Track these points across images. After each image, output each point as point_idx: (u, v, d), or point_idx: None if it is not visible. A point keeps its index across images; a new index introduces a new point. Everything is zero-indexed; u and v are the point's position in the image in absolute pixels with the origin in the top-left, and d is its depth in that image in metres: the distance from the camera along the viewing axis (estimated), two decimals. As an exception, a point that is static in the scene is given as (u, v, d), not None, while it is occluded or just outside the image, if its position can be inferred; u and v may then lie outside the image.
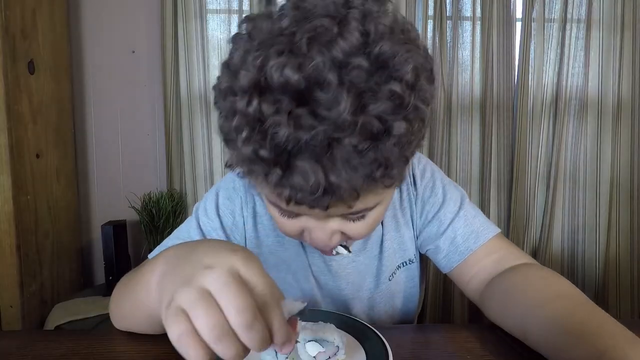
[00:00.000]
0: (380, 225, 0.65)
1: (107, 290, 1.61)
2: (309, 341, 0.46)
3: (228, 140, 0.41)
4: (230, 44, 0.42)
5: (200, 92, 1.80)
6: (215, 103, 0.42)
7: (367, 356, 0.46)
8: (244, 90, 0.37)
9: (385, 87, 0.36)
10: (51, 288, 1.61)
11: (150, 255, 0.61)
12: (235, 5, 1.79)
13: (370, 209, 0.47)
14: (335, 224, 0.48)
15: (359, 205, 0.44)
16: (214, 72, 1.81)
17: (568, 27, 1.82)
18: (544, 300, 0.48)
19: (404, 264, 0.68)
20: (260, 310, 0.31)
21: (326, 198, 0.39)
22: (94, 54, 1.84)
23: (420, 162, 0.67)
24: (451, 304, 1.88)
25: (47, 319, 1.46)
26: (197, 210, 0.66)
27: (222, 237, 0.63)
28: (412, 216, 0.66)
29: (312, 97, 0.36)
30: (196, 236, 0.63)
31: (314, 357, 0.45)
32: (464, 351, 0.50)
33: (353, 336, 0.50)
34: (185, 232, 0.65)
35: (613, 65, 1.84)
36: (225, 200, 0.65)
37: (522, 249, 1.86)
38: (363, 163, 0.37)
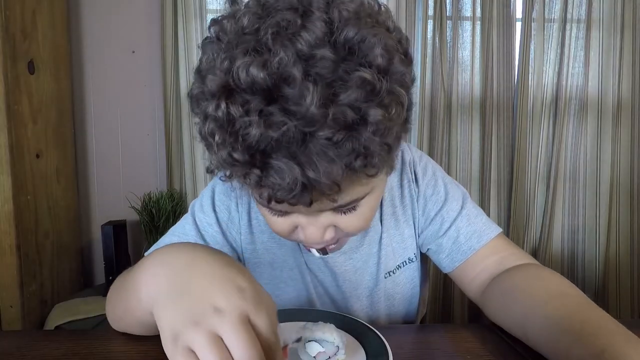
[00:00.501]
0: (379, 223, 0.65)
1: (107, 290, 1.60)
2: (309, 341, 0.46)
3: (207, 146, 0.41)
4: (200, 50, 0.41)
5: (200, 92, 1.80)
6: (192, 110, 0.42)
7: (367, 356, 0.46)
8: (212, 95, 0.37)
9: (354, 74, 0.35)
10: (51, 288, 1.61)
11: (146, 254, 0.61)
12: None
13: (360, 199, 0.46)
14: (327, 218, 0.47)
15: (345, 197, 0.43)
16: (214, 72, 1.80)
17: (568, 27, 1.82)
18: (544, 300, 0.49)
19: (404, 263, 0.67)
20: (264, 351, 0.32)
21: (306, 194, 0.38)
22: (94, 54, 1.84)
23: (421, 160, 0.67)
24: (451, 304, 1.88)
25: (47, 319, 1.46)
26: (194, 207, 0.66)
27: (217, 232, 0.63)
28: (413, 214, 0.66)
29: (280, 93, 0.35)
30: (191, 232, 0.63)
31: (314, 357, 0.45)
32: (464, 351, 0.50)
33: (353, 336, 0.50)
34: (181, 228, 0.64)
35: (613, 65, 1.84)
36: (221, 196, 0.65)
37: (522, 249, 1.86)
38: (340, 155, 0.36)
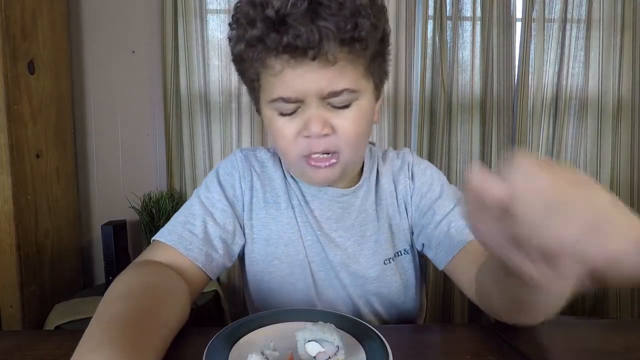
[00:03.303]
0: (375, 211, 0.70)
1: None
2: (309, 341, 0.46)
3: (238, 36, 0.57)
4: None
5: (200, 92, 1.80)
6: (234, 15, 0.57)
7: (367, 356, 0.46)
8: None
9: None
10: (51, 288, 1.61)
11: (153, 238, 0.63)
12: (235, 5, 1.78)
13: (352, 92, 0.57)
14: (327, 112, 0.57)
15: (340, 81, 0.55)
16: (214, 72, 1.81)
17: (568, 27, 1.82)
18: None
19: (399, 254, 0.70)
20: None
21: (316, 35, 0.51)
22: (94, 54, 1.84)
23: (422, 164, 0.73)
24: (451, 304, 1.88)
25: (47, 319, 1.46)
26: (198, 191, 0.69)
27: (227, 205, 0.67)
28: (407, 208, 0.71)
29: None
30: (199, 211, 0.65)
31: (314, 357, 0.45)
32: (464, 351, 0.50)
33: (353, 336, 0.50)
34: (187, 209, 0.67)
35: (613, 65, 1.84)
36: (225, 176, 0.70)
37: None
38: (338, 19, 0.52)
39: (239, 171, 0.70)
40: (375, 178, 0.72)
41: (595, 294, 1.92)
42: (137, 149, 1.89)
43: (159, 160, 1.89)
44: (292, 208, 0.69)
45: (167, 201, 1.71)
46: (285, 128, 0.59)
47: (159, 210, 1.69)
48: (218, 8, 1.80)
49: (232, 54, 0.60)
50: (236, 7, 0.57)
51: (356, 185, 0.70)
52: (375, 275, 0.68)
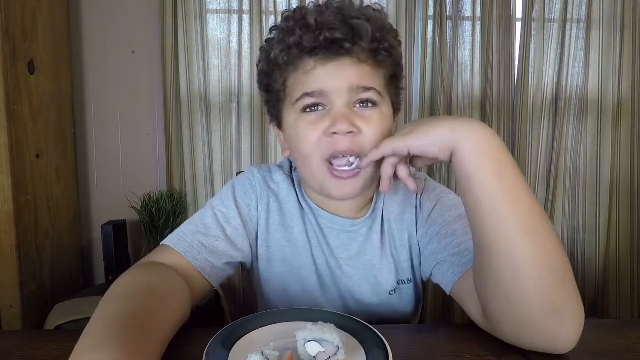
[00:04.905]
0: (379, 239, 0.69)
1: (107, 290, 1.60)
2: (309, 341, 0.46)
3: (271, 48, 0.62)
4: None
5: (200, 92, 1.80)
6: (270, 35, 0.64)
7: (367, 356, 0.46)
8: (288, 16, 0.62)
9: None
10: (51, 288, 1.61)
11: (162, 243, 0.64)
12: (235, 6, 1.79)
13: (377, 93, 0.60)
14: (352, 114, 0.59)
15: (369, 80, 0.60)
16: (214, 72, 1.81)
17: (568, 27, 1.82)
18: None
19: (402, 282, 0.71)
20: None
21: (350, 34, 0.57)
22: (94, 54, 1.84)
23: (435, 189, 0.71)
24: (451, 303, 1.88)
25: (47, 319, 1.46)
26: (213, 202, 0.69)
27: (239, 224, 0.67)
28: (410, 238, 0.69)
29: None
30: (212, 224, 0.65)
31: (314, 357, 0.45)
32: (464, 351, 0.50)
33: (353, 336, 0.50)
34: (199, 220, 0.66)
35: (613, 65, 1.84)
36: (241, 194, 0.70)
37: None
38: (369, 28, 0.59)
39: (257, 193, 0.70)
40: (382, 206, 0.70)
41: (595, 293, 1.92)
42: (137, 149, 1.89)
43: (159, 160, 1.89)
44: (306, 233, 0.70)
45: (167, 201, 1.72)
46: (309, 130, 0.60)
47: (159, 210, 1.69)
48: (218, 8, 1.80)
49: (265, 66, 0.64)
50: (271, 29, 0.64)
51: (366, 216, 0.69)
52: (378, 302, 0.69)
